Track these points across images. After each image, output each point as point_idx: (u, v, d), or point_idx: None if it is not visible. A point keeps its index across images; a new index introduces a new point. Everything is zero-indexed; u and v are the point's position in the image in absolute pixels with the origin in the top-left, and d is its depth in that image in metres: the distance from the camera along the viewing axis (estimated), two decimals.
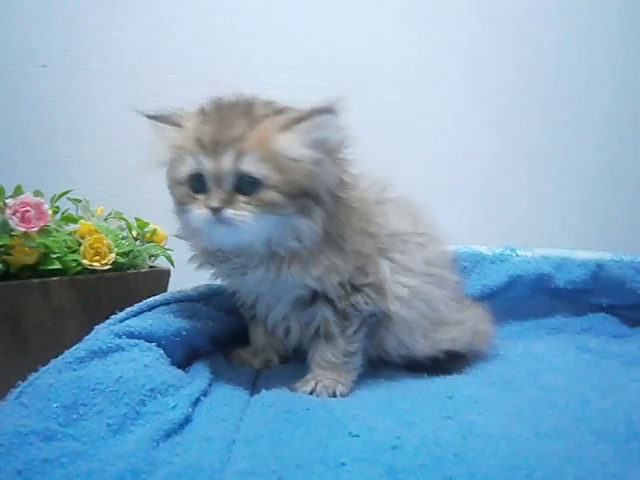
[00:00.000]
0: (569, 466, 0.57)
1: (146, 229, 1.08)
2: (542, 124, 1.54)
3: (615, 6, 1.53)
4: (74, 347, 0.73)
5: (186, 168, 0.73)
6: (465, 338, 0.93)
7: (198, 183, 0.73)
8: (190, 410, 0.68)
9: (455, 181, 1.51)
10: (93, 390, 0.65)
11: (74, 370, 0.69)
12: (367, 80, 1.46)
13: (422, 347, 0.88)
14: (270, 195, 0.71)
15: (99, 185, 1.28)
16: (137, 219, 1.07)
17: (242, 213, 0.71)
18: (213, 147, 0.71)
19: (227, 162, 0.71)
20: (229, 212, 0.71)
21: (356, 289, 0.81)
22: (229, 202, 0.71)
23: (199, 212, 0.72)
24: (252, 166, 0.70)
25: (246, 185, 0.71)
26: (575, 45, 1.53)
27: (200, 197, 0.73)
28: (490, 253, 1.26)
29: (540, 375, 0.89)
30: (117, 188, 1.29)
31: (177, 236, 0.83)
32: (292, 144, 0.72)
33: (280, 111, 0.75)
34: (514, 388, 0.82)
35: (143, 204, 1.06)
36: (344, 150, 0.78)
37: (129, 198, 1.05)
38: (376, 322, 0.85)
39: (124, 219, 1.08)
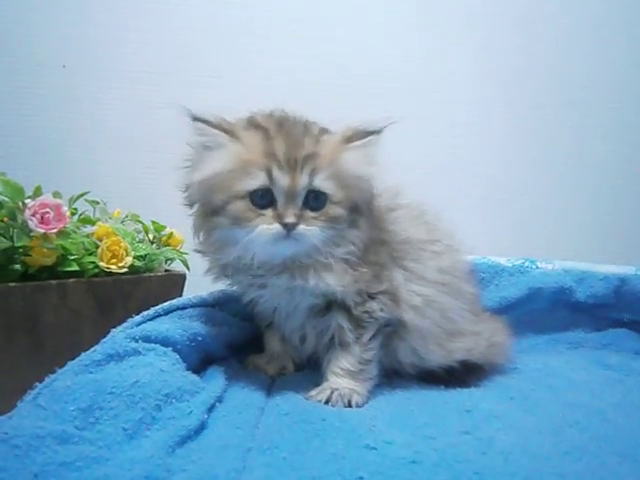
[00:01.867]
0: None
1: (162, 232, 1.07)
2: (565, 133, 1.52)
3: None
4: (91, 350, 0.72)
5: (254, 182, 0.72)
6: (480, 349, 0.91)
7: (262, 198, 0.73)
8: (205, 416, 0.68)
9: (472, 191, 1.49)
10: (110, 394, 0.65)
11: (91, 373, 0.69)
12: (380, 90, 1.46)
13: (436, 356, 0.87)
14: (335, 210, 0.75)
15: (115, 187, 1.28)
16: (153, 222, 1.07)
17: (312, 228, 0.73)
18: (289, 163, 0.72)
19: (304, 179, 0.72)
20: (301, 228, 0.72)
21: (371, 297, 0.80)
22: (301, 218, 0.73)
23: (266, 227, 0.72)
24: (323, 182, 0.73)
25: (314, 201, 0.74)
26: (595, 49, 1.51)
27: (266, 212, 0.73)
28: (509, 265, 1.24)
29: (560, 391, 0.87)
30: (133, 191, 1.29)
31: (198, 251, 0.82)
32: (356, 162, 0.76)
33: (326, 131, 0.79)
34: (533, 404, 0.81)
35: (159, 207, 1.05)
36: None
37: (145, 201, 1.04)
38: (391, 332, 0.84)
39: (141, 222, 1.07)
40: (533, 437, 0.67)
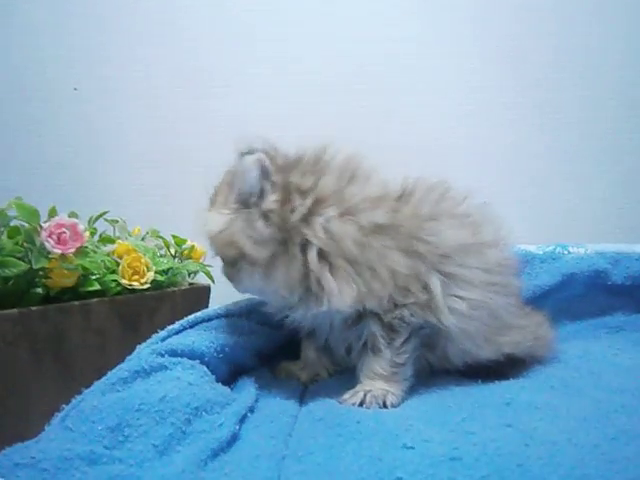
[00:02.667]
0: None
1: (184, 246, 1.07)
2: (586, 111, 1.47)
3: None
4: (117, 368, 0.72)
5: None
6: (527, 342, 0.88)
7: None
8: (237, 427, 0.66)
9: (501, 179, 1.46)
10: (137, 411, 0.64)
11: (118, 391, 0.68)
12: (401, 84, 1.44)
13: (485, 352, 0.85)
14: (223, 267, 0.82)
15: (134, 205, 1.28)
16: (174, 236, 1.06)
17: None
18: None
19: None
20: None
21: (399, 306, 0.78)
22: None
23: None
24: (210, 247, 0.81)
25: None
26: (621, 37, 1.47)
27: None
28: (540, 252, 1.20)
29: (602, 376, 0.83)
30: (152, 207, 1.30)
31: None
32: (211, 221, 0.78)
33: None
34: (576, 391, 0.77)
35: (179, 221, 1.04)
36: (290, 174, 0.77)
37: (165, 216, 1.04)
38: (431, 334, 0.81)
39: (161, 237, 1.07)
40: (578, 425, 0.64)
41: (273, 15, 1.42)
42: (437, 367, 0.87)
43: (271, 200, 0.74)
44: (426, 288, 0.78)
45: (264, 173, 0.74)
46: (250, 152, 0.76)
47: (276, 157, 0.78)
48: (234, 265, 0.78)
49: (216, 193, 0.81)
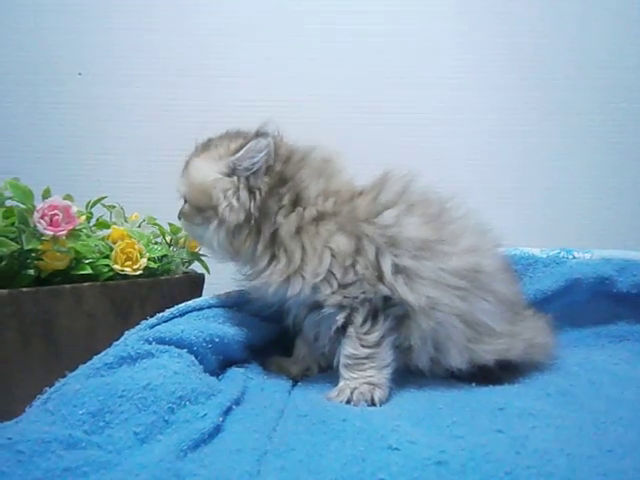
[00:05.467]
0: None
1: (179, 234, 1.05)
2: (602, 120, 1.44)
3: None
4: (102, 353, 0.71)
5: None
6: (517, 351, 0.85)
7: None
8: (221, 419, 0.65)
9: (504, 181, 1.43)
10: (120, 397, 0.63)
11: (102, 376, 0.67)
12: (410, 81, 1.42)
13: (455, 360, 0.81)
14: (186, 207, 0.88)
15: (134, 192, 1.27)
16: (170, 224, 1.04)
17: (182, 222, 0.91)
18: None
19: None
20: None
21: (347, 284, 0.78)
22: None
23: None
24: (181, 187, 0.88)
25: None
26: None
27: None
28: (544, 256, 1.17)
29: (602, 386, 0.81)
30: (152, 194, 1.28)
31: None
32: (196, 168, 0.85)
33: (225, 142, 0.87)
34: (573, 400, 0.75)
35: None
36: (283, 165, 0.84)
37: (165, 204, 1.03)
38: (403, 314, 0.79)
39: (157, 225, 1.05)
40: (572, 435, 0.62)
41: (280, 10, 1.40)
42: (402, 368, 0.84)
43: (264, 181, 0.82)
44: (376, 267, 0.79)
45: (268, 157, 0.82)
46: (264, 135, 0.82)
47: (281, 147, 0.85)
48: (200, 213, 0.85)
49: (211, 145, 0.87)
